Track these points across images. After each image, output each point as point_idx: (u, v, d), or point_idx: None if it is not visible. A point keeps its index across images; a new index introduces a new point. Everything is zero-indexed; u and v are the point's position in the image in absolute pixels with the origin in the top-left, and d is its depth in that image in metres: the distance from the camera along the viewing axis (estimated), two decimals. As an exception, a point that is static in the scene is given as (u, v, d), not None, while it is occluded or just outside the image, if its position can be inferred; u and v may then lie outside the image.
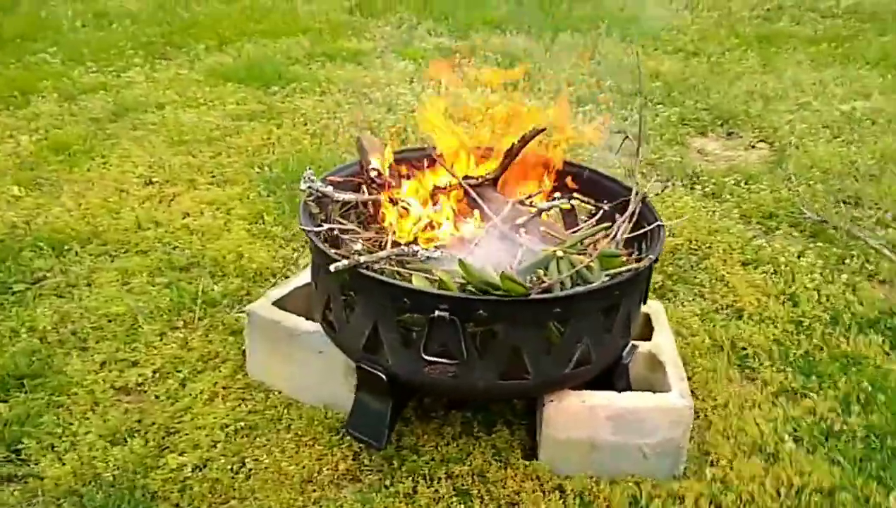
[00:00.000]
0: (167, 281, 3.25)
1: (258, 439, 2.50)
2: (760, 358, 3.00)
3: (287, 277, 3.25)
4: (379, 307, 2.25)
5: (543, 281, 2.21)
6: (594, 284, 2.23)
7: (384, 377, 2.31)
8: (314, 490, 2.33)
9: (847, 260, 3.66)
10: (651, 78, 5.97)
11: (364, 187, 2.65)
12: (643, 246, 2.51)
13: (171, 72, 5.70)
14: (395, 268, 2.33)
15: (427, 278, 2.25)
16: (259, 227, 3.68)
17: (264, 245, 3.54)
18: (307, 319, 2.62)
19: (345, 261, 2.18)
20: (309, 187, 2.54)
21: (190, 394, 2.67)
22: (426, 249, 2.36)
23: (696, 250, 3.68)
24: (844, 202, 4.24)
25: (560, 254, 2.35)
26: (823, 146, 4.89)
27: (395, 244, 2.42)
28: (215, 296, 3.16)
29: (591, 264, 2.31)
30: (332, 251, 2.29)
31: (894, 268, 3.60)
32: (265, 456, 2.43)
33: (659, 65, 6.38)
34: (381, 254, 2.30)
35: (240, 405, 2.64)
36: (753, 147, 5.07)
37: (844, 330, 3.18)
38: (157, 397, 2.67)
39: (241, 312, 3.03)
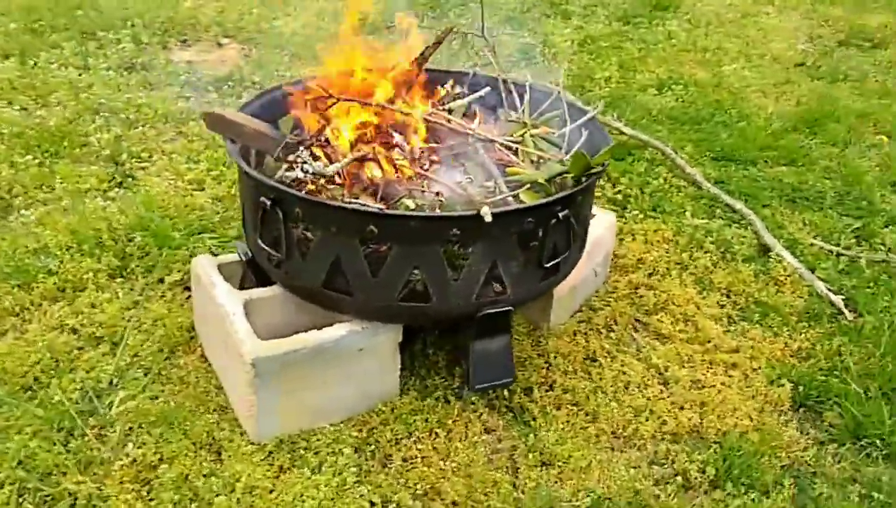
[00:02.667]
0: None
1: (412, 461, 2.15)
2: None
3: (117, 346, 2.49)
4: (499, 242, 2.12)
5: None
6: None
7: (512, 307, 2.22)
8: (508, 459, 2.20)
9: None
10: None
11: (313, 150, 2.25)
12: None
13: None
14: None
15: (531, 192, 2.20)
16: None
17: (28, 341, 2.53)
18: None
19: (487, 208, 2.00)
20: (308, 171, 2.08)
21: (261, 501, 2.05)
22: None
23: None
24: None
25: (535, 132, 2.50)
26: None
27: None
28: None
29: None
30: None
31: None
32: (437, 476, 2.13)
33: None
34: (472, 190, 2.13)
35: (318, 462, 2.15)
36: (221, 45, 5.09)
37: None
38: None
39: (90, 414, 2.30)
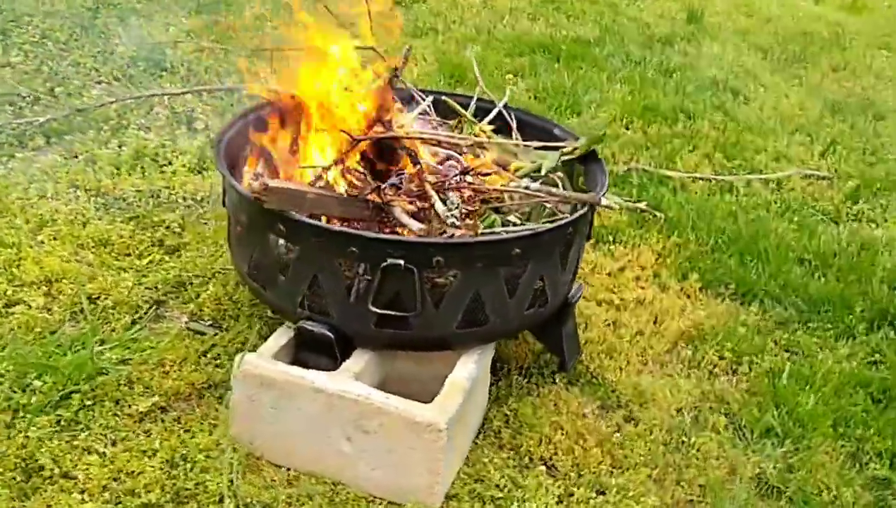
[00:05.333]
0: None
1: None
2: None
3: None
4: (584, 228, 2.32)
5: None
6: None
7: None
8: (626, 416, 2.46)
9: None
10: None
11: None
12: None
13: None
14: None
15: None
16: None
17: None
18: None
19: (603, 198, 2.19)
20: (458, 215, 2.00)
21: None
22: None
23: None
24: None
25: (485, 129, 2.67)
26: None
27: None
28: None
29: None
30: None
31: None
32: (608, 451, 2.30)
33: None
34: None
35: (518, 494, 2.15)
36: None
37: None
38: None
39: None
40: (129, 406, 2.28)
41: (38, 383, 2.28)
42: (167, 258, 2.94)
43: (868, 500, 2.22)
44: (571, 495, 2.14)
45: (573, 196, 2.19)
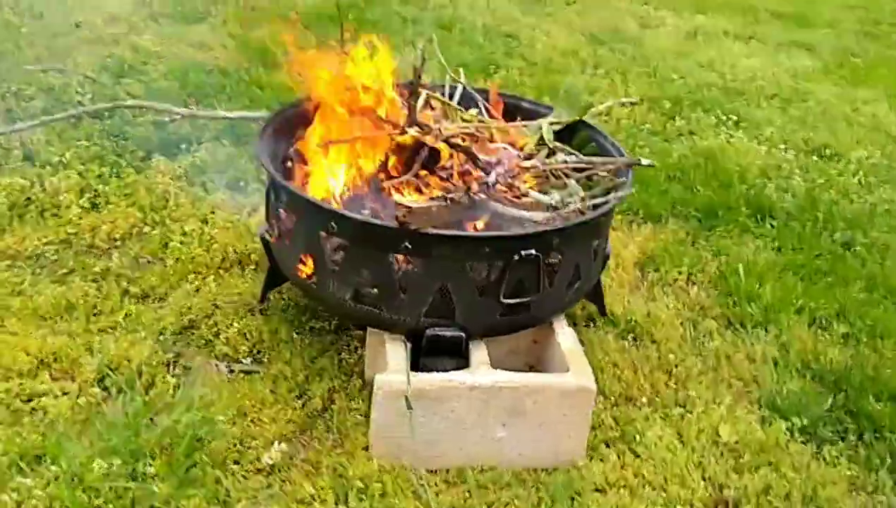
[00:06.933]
0: None
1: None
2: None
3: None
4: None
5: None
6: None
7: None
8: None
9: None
10: None
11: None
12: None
13: None
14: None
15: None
16: None
17: None
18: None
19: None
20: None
21: None
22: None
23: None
24: None
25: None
26: None
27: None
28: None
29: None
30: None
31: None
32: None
33: None
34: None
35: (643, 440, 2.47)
36: None
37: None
38: None
39: None
40: (250, 462, 2.21)
41: (149, 469, 2.12)
42: (143, 307, 2.76)
43: (849, 353, 2.83)
44: (667, 417, 2.49)
45: (618, 161, 2.47)
